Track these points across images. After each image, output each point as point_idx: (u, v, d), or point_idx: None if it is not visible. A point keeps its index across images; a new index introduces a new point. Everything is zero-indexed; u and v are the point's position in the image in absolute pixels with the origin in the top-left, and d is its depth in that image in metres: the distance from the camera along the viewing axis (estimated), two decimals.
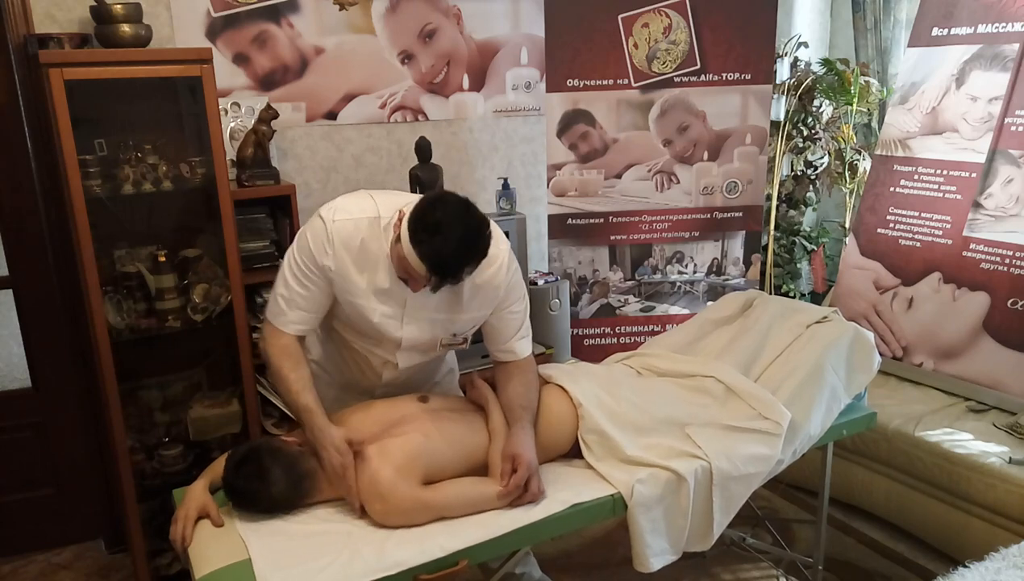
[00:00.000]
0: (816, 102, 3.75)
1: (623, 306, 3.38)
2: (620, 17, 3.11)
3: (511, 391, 1.94)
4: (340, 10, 3.02)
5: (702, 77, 3.18)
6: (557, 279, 3.20)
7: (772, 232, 3.84)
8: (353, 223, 1.79)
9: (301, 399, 1.81)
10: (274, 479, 1.72)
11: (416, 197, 1.76)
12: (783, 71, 3.84)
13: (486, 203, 3.26)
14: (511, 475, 1.78)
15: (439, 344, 1.94)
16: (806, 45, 3.87)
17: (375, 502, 1.70)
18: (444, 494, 1.75)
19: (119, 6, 2.37)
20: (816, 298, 3.96)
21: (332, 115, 3.10)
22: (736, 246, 3.37)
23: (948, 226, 2.99)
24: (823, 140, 3.74)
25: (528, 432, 1.87)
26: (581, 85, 3.15)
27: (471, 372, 2.08)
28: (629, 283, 3.38)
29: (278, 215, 2.78)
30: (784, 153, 3.81)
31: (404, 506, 1.70)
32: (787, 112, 3.76)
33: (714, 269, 3.39)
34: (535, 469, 1.81)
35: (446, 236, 1.63)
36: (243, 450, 1.78)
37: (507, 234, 2.81)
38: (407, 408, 1.89)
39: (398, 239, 1.69)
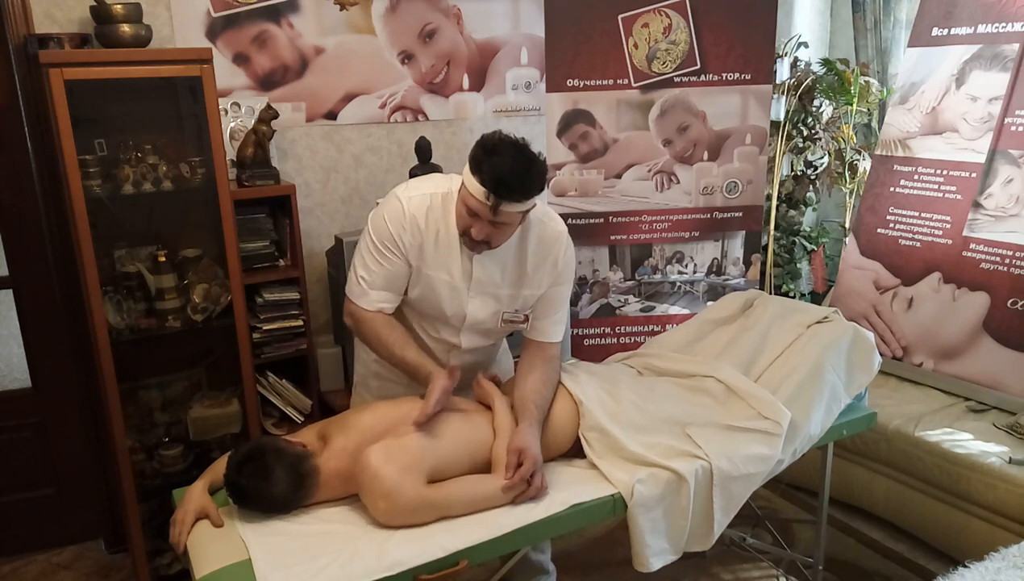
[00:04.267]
0: (816, 102, 3.75)
1: (623, 306, 3.38)
2: (620, 17, 3.11)
3: (529, 385, 1.96)
4: (340, 10, 3.02)
5: (702, 77, 3.18)
6: None
7: (772, 232, 3.84)
8: (428, 198, 1.90)
9: (406, 354, 1.91)
10: (276, 479, 1.72)
11: None
12: (783, 71, 3.84)
13: None
14: (516, 468, 1.79)
15: (501, 320, 1.98)
16: (806, 45, 3.87)
17: (379, 501, 1.69)
18: (448, 492, 1.75)
19: (119, 6, 2.38)
20: (816, 298, 3.96)
21: (332, 115, 3.10)
22: (736, 246, 3.37)
23: (948, 226, 2.99)
24: (823, 140, 3.74)
25: (536, 429, 1.88)
26: (581, 85, 3.15)
27: (479, 374, 2.08)
28: (629, 283, 3.37)
29: (278, 215, 2.78)
30: (784, 153, 3.81)
31: (409, 505, 1.69)
32: (787, 112, 3.76)
33: (714, 269, 3.39)
34: (540, 465, 1.82)
35: (503, 155, 1.74)
36: (246, 449, 1.78)
37: None
38: (410, 408, 1.89)
39: (461, 187, 1.81)
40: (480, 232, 1.80)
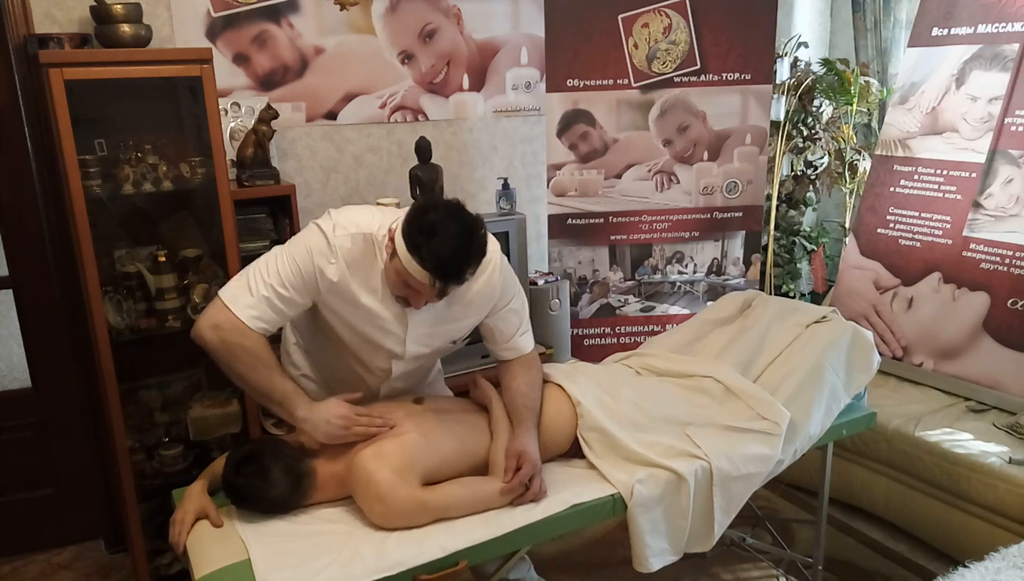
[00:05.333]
0: (816, 102, 3.75)
1: (623, 306, 3.38)
2: (620, 17, 3.11)
3: (515, 390, 1.94)
4: (340, 10, 3.02)
5: (702, 77, 3.18)
6: (557, 279, 3.20)
7: (772, 232, 3.84)
8: (351, 239, 1.75)
9: (280, 385, 1.75)
10: (274, 479, 1.72)
11: (403, 212, 1.72)
12: (783, 71, 3.84)
13: (486, 203, 3.27)
14: (515, 472, 1.78)
15: (437, 352, 1.95)
16: (806, 45, 3.87)
17: (374, 504, 1.69)
18: (444, 494, 1.74)
19: (119, 6, 2.38)
20: (816, 298, 3.96)
21: (332, 115, 3.10)
22: (736, 246, 3.37)
23: (948, 226, 2.99)
24: (823, 140, 3.74)
25: (533, 433, 1.87)
26: (581, 85, 3.15)
27: (474, 372, 2.08)
28: (629, 283, 3.37)
29: (278, 215, 2.78)
30: (784, 153, 3.81)
31: (404, 508, 1.69)
32: (787, 112, 3.76)
33: (714, 269, 3.39)
34: (539, 468, 1.82)
35: (443, 237, 1.61)
36: (244, 449, 1.78)
37: (507, 234, 2.86)
38: (406, 409, 1.90)
39: (393, 254, 1.67)
40: (420, 303, 1.72)
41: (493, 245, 1.85)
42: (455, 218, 1.65)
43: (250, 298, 1.73)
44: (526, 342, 1.99)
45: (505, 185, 3.08)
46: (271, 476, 1.71)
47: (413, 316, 1.81)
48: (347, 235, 1.75)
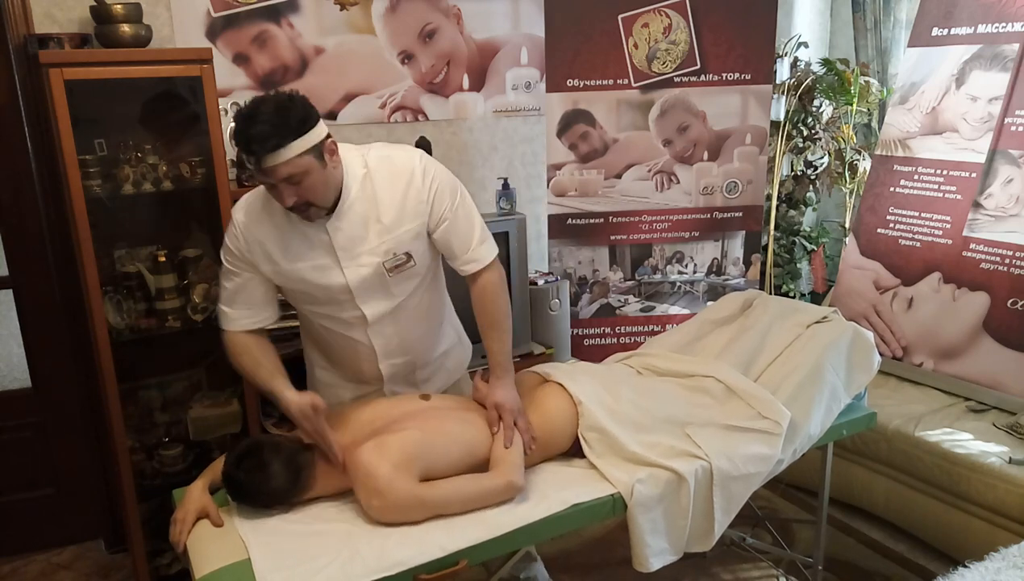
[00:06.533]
0: (816, 102, 3.75)
1: (623, 306, 3.38)
2: (620, 17, 3.11)
3: (483, 334, 1.97)
4: (340, 10, 3.02)
5: (702, 77, 3.18)
6: (557, 279, 3.20)
7: (772, 232, 3.84)
8: (252, 196, 1.88)
9: (258, 374, 1.89)
10: (275, 471, 1.72)
11: None
12: (783, 71, 3.84)
13: (486, 203, 3.27)
14: (499, 422, 1.87)
15: (386, 271, 1.89)
16: (806, 45, 3.87)
17: (372, 498, 1.70)
18: (442, 491, 1.74)
19: (119, 6, 2.38)
20: (816, 298, 3.97)
21: (332, 115, 3.10)
22: (736, 246, 3.37)
23: (948, 226, 2.99)
24: (823, 140, 3.74)
25: (505, 380, 1.93)
26: (581, 85, 3.16)
27: (475, 372, 2.08)
28: (629, 283, 3.37)
29: None
30: (784, 153, 3.81)
31: (401, 502, 1.69)
32: (787, 112, 3.76)
33: (714, 269, 3.39)
34: (520, 411, 1.90)
35: (250, 114, 1.68)
36: (244, 445, 1.79)
37: (507, 234, 2.86)
38: (409, 405, 1.90)
39: None
40: (286, 198, 1.72)
41: (411, 154, 1.90)
42: (266, 99, 1.71)
43: (221, 314, 1.93)
44: (485, 251, 1.96)
45: (505, 185, 3.09)
46: (271, 469, 1.72)
47: (335, 238, 1.83)
48: (246, 198, 1.90)
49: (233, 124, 1.70)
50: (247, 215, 1.87)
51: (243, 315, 1.91)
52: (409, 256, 1.90)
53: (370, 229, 1.85)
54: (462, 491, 1.76)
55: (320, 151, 1.73)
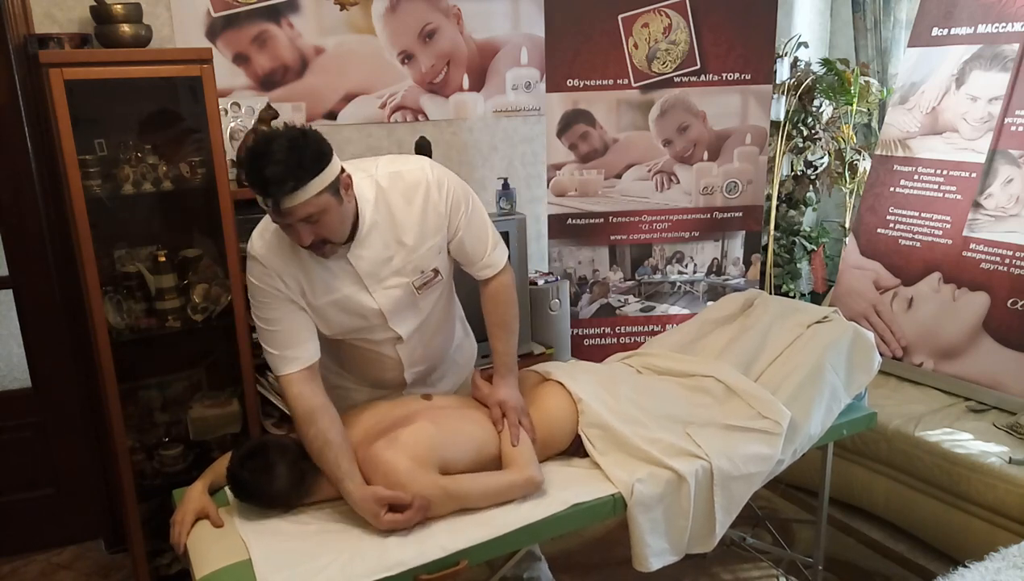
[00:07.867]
0: (816, 102, 3.75)
1: (623, 306, 3.38)
2: (620, 17, 3.11)
3: (491, 335, 1.99)
4: (340, 10, 3.02)
5: (702, 77, 3.18)
6: (557, 279, 3.20)
7: (772, 232, 3.84)
8: (266, 231, 1.78)
9: (336, 467, 1.73)
10: (279, 473, 1.72)
11: None
12: (783, 71, 3.84)
13: (486, 203, 3.25)
14: (503, 419, 1.89)
15: (414, 289, 1.88)
16: (806, 45, 3.87)
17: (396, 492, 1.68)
18: (464, 482, 1.74)
19: (119, 6, 2.38)
20: (816, 298, 3.97)
21: (332, 115, 3.10)
22: (736, 246, 3.37)
23: (948, 226, 2.99)
24: (823, 140, 3.74)
25: (507, 379, 1.96)
26: (581, 85, 3.15)
27: (475, 372, 2.08)
28: (629, 283, 3.37)
29: None
30: (784, 153, 3.81)
31: (426, 494, 1.68)
32: (787, 112, 3.76)
33: (714, 269, 3.39)
34: (524, 410, 1.93)
35: (262, 152, 1.58)
36: (250, 445, 1.79)
37: (507, 234, 2.86)
38: (413, 405, 1.90)
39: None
40: (304, 237, 1.65)
41: (421, 165, 1.85)
42: (278, 136, 1.61)
43: (272, 359, 1.81)
44: (498, 257, 1.98)
45: (505, 185, 3.08)
46: (276, 470, 1.72)
47: (359, 266, 1.80)
48: (260, 239, 1.79)
49: (239, 158, 1.65)
50: (267, 249, 1.77)
51: (298, 353, 1.78)
52: (436, 272, 1.91)
53: (392, 250, 1.82)
54: (484, 484, 1.76)
55: (336, 187, 1.66)
